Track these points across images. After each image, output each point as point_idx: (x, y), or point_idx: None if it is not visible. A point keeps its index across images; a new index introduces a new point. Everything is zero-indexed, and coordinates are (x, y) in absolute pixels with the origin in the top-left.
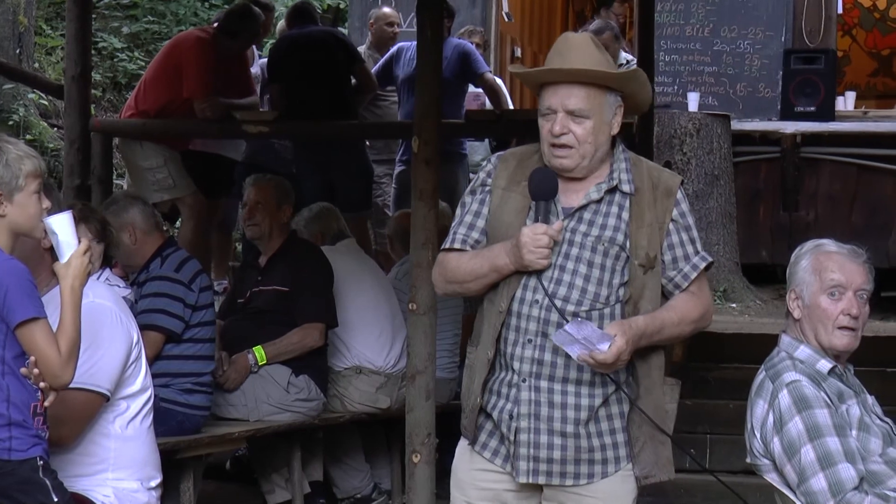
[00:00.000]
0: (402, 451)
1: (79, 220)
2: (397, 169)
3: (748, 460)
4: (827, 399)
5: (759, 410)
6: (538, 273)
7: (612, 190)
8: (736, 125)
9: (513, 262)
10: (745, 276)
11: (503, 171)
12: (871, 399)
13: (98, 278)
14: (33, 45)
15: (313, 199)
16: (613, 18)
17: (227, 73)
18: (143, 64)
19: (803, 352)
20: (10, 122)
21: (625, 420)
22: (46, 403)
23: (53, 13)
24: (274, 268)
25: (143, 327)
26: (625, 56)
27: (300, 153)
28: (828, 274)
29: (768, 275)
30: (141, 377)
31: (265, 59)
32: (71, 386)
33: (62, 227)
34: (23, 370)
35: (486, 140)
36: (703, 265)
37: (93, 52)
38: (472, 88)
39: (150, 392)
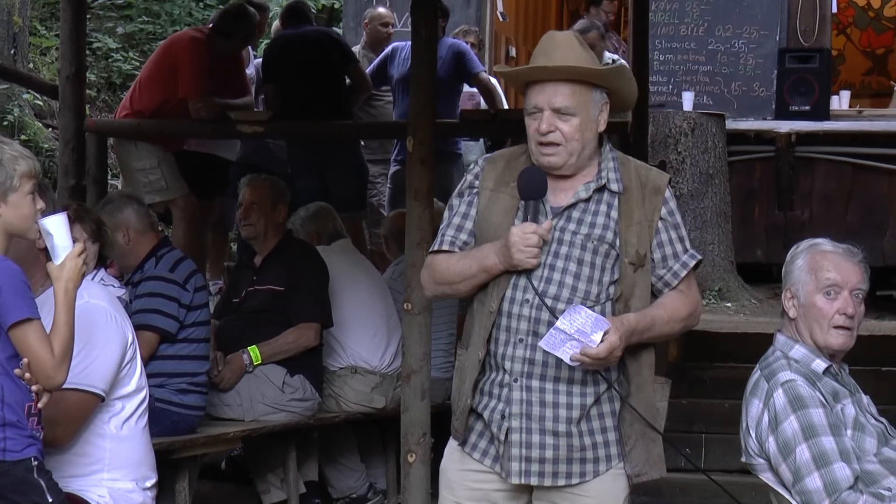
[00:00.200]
0: (398, 450)
1: (74, 221)
2: (392, 169)
3: (743, 460)
4: (822, 398)
5: (754, 410)
6: (528, 272)
7: (601, 189)
8: (731, 124)
9: (502, 261)
10: (739, 275)
11: (491, 172)
12: (865, 399)
13: (93, 278)
14: (28, 46)
15: (308, 199)
16: (603, 16)
17: (221, 74)
18: (137, 64)
19: (798, 351)
20: (5, 123)
21: (616, 418)
22: (40, 405)
23: (48, 13)
24: (269, 268)
25: (137, 327)
26: (609, 56)
27: (295, 153)
28: (824, 273)
29: (763, 274)
30: (136, 377)
31: (260, 60)
32: (66, 386)
33: (57, 229)
34: (16, 371)
35: (481, 140)
36: (692, 263)
37: (87, 52)
38: (466, 88)
39: (145, 392)
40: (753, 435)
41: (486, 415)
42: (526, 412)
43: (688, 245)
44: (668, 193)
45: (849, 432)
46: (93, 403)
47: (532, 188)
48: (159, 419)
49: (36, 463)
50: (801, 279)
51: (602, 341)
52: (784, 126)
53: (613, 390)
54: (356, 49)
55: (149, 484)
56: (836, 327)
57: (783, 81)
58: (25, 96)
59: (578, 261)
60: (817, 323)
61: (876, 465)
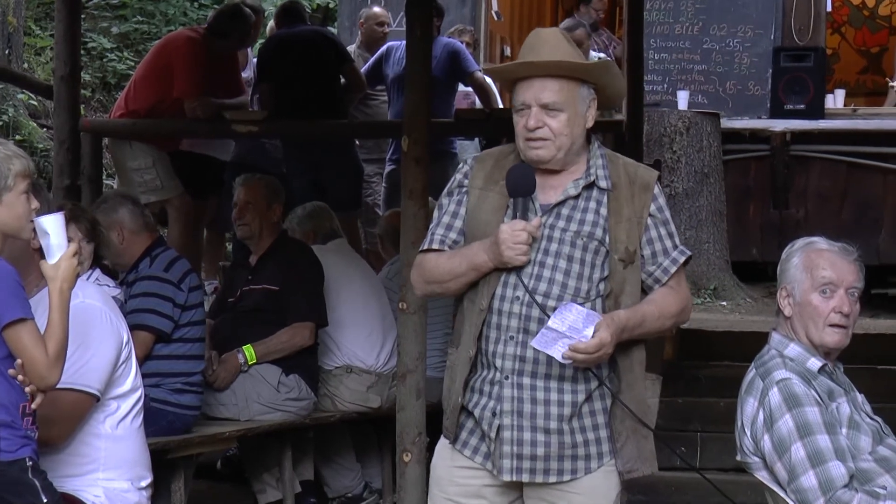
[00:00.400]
0: (393, 450)
1: (69, 220)
2: (387, 168)
3: (738, 458)
4: (817, 397)
5: (749, 408)
6: (518, 270)
7: (590, 186)
8: (726, 123)
9: (492, 259)
10: (735, 273)
11: (480, 171)
12: (860, 397)
13: (88, 278)
14: (22, 46)
15: (303, 198)
16: (594, 14)
17: (217, 73)
18: (132, 64)
19: (793, 350)
20: (0, 123)
21: (607, 415)
22: (34, 405)
23: (42, 13)
24: (264, 267)
25: (132, 327)
26: (595, 54)
27: (290, 153)
28: (819, 271)
29: (758, 273)
30: (131, 377)
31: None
32: (61, 386)
33: (53, 228)
34: (10, 371)
35: (476, 139)
36: (682, 259)
37: (82, 52)
38: (462, 87)
39: (140, 392)
40: (749, 433)
41: (476, 412)
42: (517, 409)
43: (677, 241)
44: (656, 190)
45: (844, 431)
46: (88, 403)
47: (520, 185)
48: (155, 419)
49: (31, 463)
50: (797, 278)
51: (593, 336)
52: (779, 125)
53: (605, 387)
54: (351, 48)
55: (144, 484)
56: (832, 325)
57: (778, 80)
58: (20, 96)
59: (568, 258)
60: (813, 321)
61: (871, 463)
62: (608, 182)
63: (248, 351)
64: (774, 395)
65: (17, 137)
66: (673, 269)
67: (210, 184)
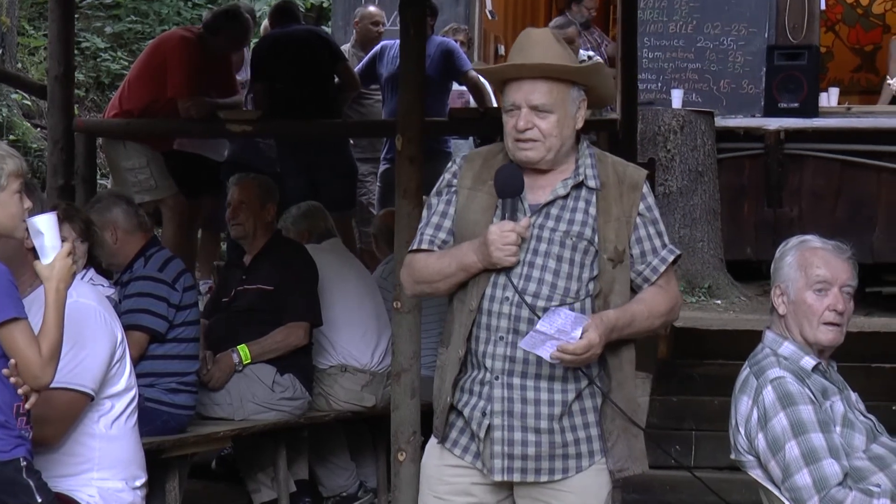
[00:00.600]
0: (388, 449)
1: (63, 220)
2: (382, 167)
3: (733, 457)
4: (811, 395)
5: (743, 407)
6: (507, 270)
7: (579, 186)
8: (720, 122)
9: (481, 259)
10: (729, 272)
11: (468, 171)
12: (854, 395)
13: (82, 278)
14: (16, 46)
15: (297, 198)
16: (585, 12)
17: (211, 73)
18: (126, 64)
19: (787, 348)
20: None
21: (598, 414)
22: (28, 405)
23: (36, 13)
24: (258, 267)
25: (127, 327)
26: (584, 53)
27: (284, 152)
28: (813, 270)
29: (753, 271)
30: (125, 376)
31: None
32: (55, 385)
33: (47, 228)
34: (4, 371)
35: (471, 138)
36: (671, 258)
37: (76, 51)
38: (456, 86)
39: (134, 391)
40: (743, 432)
41: (466, 412)
42: (507, 409)
43: (666, 240)
44: (645, 189)
45: (838, 429)
46: (82, 402)
47: (509, 186)
48: (149, 419)
49: (25, 463)
50: (791, 276)
51: (581, 337)
52: (773, 123)
53: (595, 386)
54: (346, 48)
55: (138, 483)
56: (826, 324)
57: (772, 78)
58: (14, 96)
59: (557, 258)
60: (807, 319)
61: (865, 461)
62: (597, 181)
63: (243, 350)
64: (768, 394)
65: (11, 137)
66: (662, 269)
67: (204, 183)
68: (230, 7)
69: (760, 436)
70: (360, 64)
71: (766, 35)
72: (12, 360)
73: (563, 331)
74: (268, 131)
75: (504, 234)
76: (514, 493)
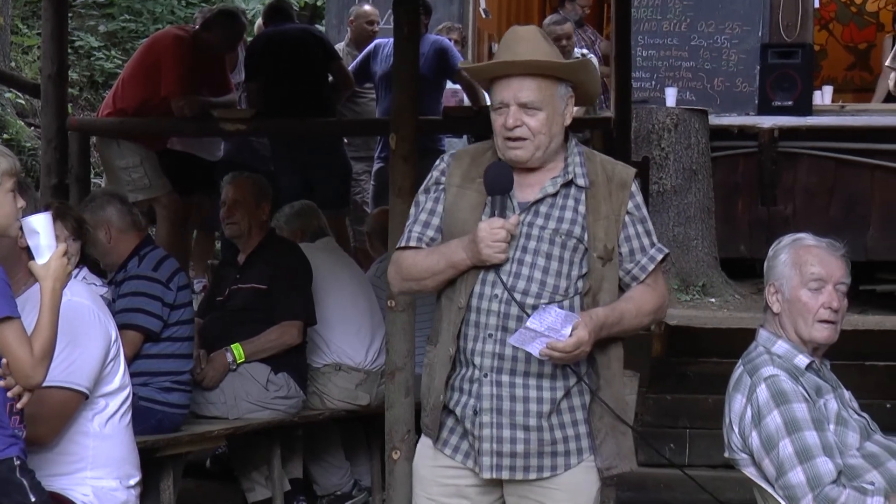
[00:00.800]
0: (382, 447)
1: (55, 219)
2: (376, 166)
3: (726, 455)
4: (805, 393)
5: (737, 405)
6: (496, 267)
7: (568, 184)
8: (714, 120)
9: (470, 257)
10: (723, 270)
11: (457, 168)
12: (847, 394)
13: (75, 277)
14: (9, 44)
15: (291, 196)
16: (579, 10)
17: (204, 72)
18: (119, 62)
19: (781, 347)
20: None
21: (586, 412)
22: (20, 405)
23: (30, 12)
24: (253, 266)
25: (121, 326)
26: (579, 51)
27: (278, 151)
28: (808, 268)
29: (747, 269)
30: (119, 375)
31: None
32: (49, 384)
33: (42, 228)
34: None
35: (465, 136)
36: (659, 257)
37: (69, 50)
38: (450, 85)
39: (128, 390)
40: (737, 430)
41: (458, 411)
42: (496, 407)
43: (654, 239)
44: (634, 187)
45: (831, 427)
46: (77, 401)
47: (498, 183)
48: (144, 418)
49: (18, 462)
50: (785, 274)
51: (570, 335)
52: (767, 121)
53: (583, 384)
54: (340, 46)
55: (132, 482)
56: (821, 321)
57: (766, 77)
58: (7, 95)
59: (547, 255)
60: (802, 317)
61: (858, 459)
62: (586, 180)
63: (237, 349)
64: (762, 392)
65: (5, 136)
66: (651, 267)
67: (198, 182)
68: (227, 7)
69: (754, 434)
70: (354, 62)
71: (760, 33)
72: (4, 360)
73: (553, 328)
74: (262, 130)
75: (494, 231)
76: (504, 490)
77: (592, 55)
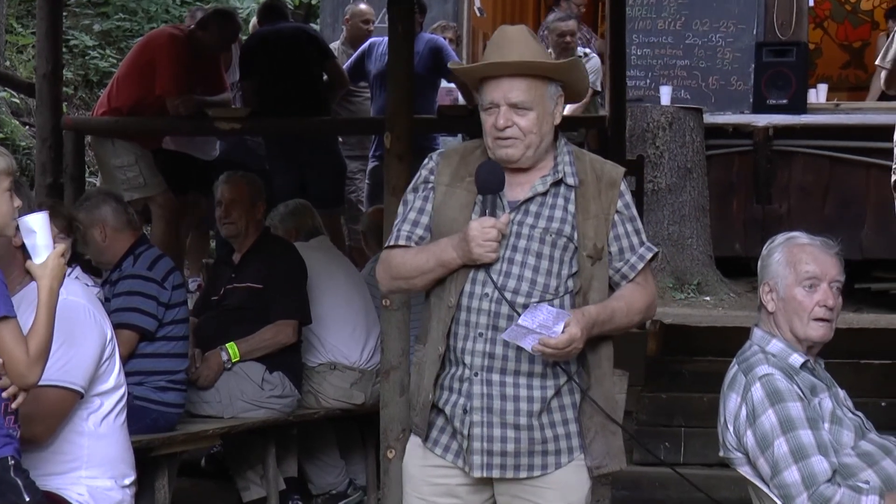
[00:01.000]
0: (377, 446)
1: None
2: (370, 164)
3: (721, 453)
4: (799, 392)
5: (731, 404)
6: (487, 267)
7: (557, 183)
8: (708, 118)
9: (460, 256)
10: (718, 269)
11: (446, 167)
12: (842, 393)
13: (69, 275)
14: (4, 44)
15: (286, 195)
16: (574, 9)
17: (199, 71)
18: (114, 61)
19: (775, 346)
20: None
21: (577, 410)
22: (15, 405)
23: (24, 11)
24: (248, 265)
25: (116, 326)
26: (582, 49)
27: (272, 150)
28: (802, 266)
29: (742, 268)
30: (114, 374)
31: None
32: (45, 383)
33: (39, 227)
34: None
35: (459, 135)
36: (649, 256)
37: (64, 49)
38: (444, 84)
39: (123, 389)
40: (731, 429)
41: (447, 410)
42: (487, 406)
43: (644, 238)
44: (623, 186)
45: (826, 426)
46: (72, 400)
47: (490, 182)
48: (139, 417)
49: (13, 462)
50: (780, 273)
51: (563, 332)
52: (761, 120)
53: (573, 382)
54: (335, 45)
55: (127, 482)
56: (817, 319)
57: (760, 75)
58: (2, 94)
59: (537, 254)
60: (797, 316)
61: (853, 458)
62: (575, 179)
63: (232, 348)
64: (757, 391)
65: (0, 135)
66: (640, 266)
67: (193, 181)
68: (222, 6)
69: (749, 433)
70: (349, 61)
71: (755, 32)
72: (0, 361)
73: (545, 325)
74: (256, 129)
75: (485, 230)
76: (495, 490)
77: (595, 55)
